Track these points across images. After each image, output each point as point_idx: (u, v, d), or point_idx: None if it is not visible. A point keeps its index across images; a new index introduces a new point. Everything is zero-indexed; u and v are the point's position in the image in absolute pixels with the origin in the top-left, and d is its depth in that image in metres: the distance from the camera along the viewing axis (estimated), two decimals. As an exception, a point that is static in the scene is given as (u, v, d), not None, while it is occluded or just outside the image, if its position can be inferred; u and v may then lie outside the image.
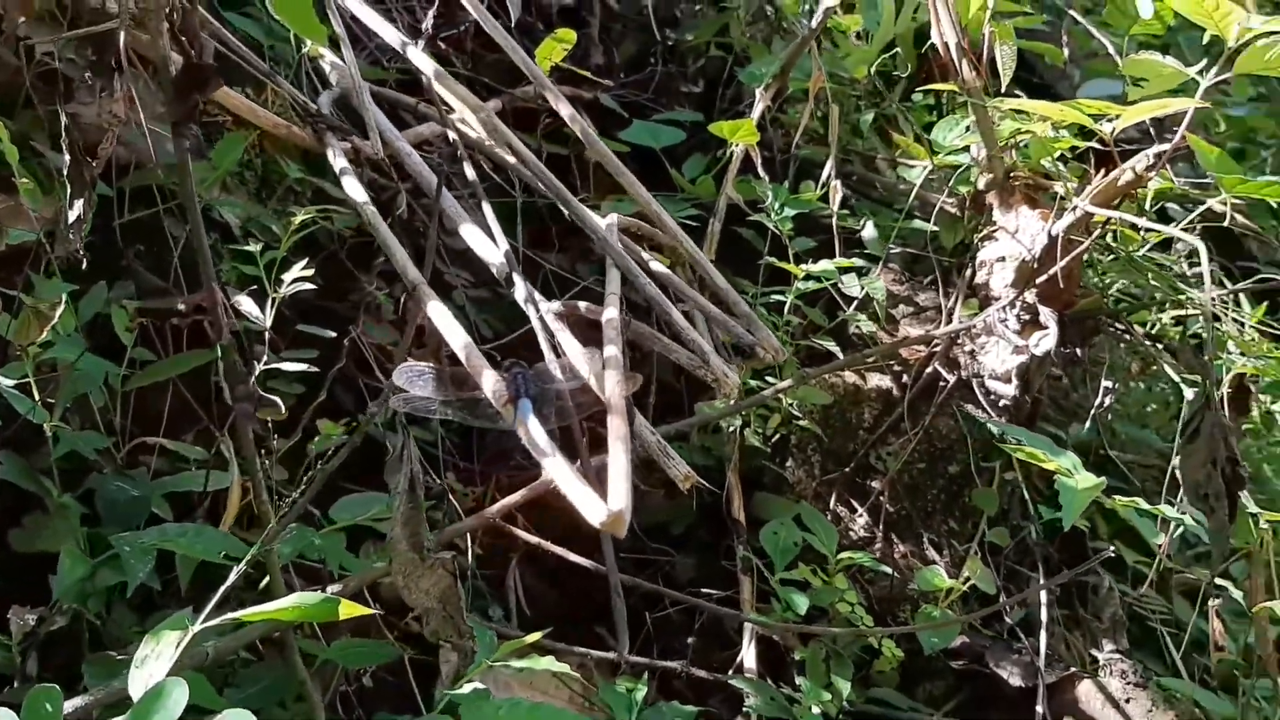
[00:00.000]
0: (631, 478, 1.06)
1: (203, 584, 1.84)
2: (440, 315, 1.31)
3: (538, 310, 1.60)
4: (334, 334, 2.13)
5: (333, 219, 2.22)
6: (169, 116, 1.32)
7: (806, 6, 3.00)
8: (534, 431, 1.10)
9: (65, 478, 1.75)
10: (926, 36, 3.06)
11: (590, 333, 1.81)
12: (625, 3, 3.22)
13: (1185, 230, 2.10)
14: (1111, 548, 2.16)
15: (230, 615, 1.28)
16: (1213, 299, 2.23)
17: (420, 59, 1.87)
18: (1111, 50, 3.11)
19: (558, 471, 1.05)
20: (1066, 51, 3.10)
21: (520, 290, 1.63)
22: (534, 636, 1.69)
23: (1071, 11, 3.22)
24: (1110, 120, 2.03)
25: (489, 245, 1.70)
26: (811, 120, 2.79)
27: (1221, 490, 1.62)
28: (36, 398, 1.66)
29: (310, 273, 1.83)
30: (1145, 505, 1.90)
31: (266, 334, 1.82)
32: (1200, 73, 1.99)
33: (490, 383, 1.18)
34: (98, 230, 2.00)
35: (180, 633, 1.30)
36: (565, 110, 1.74)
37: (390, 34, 1.88)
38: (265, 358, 1.81)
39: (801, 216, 2.56)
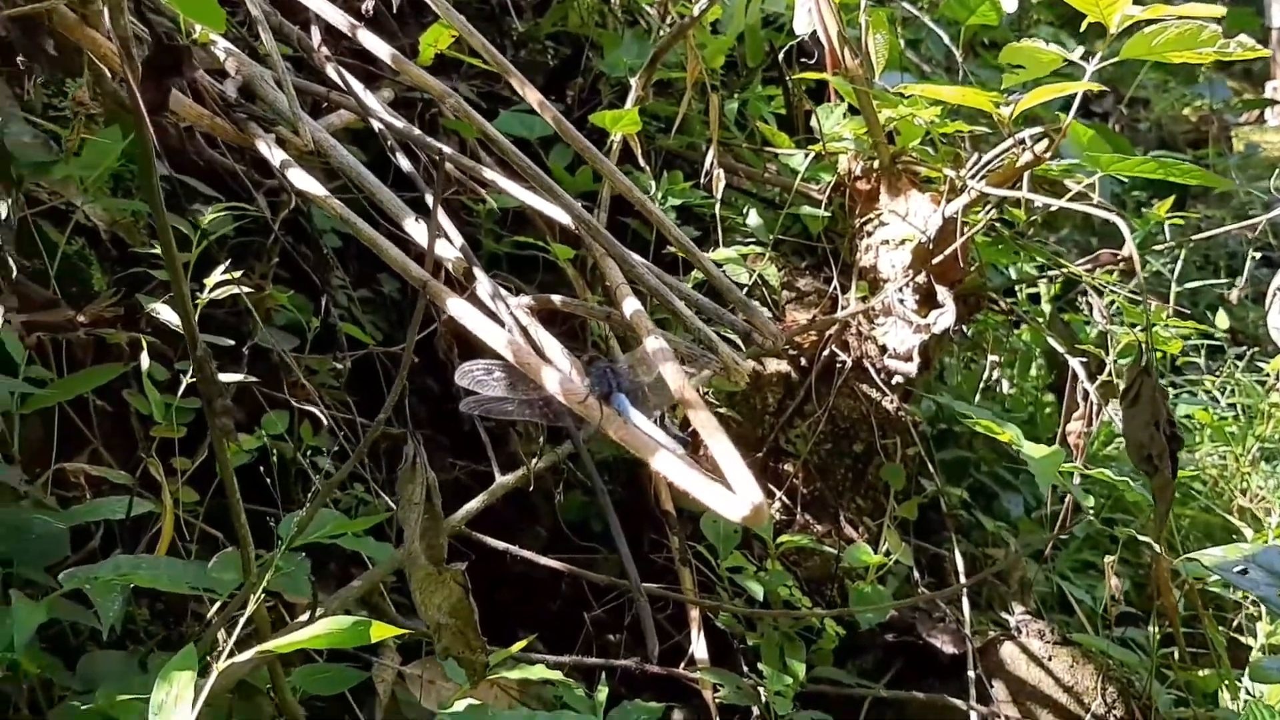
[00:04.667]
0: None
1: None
2: (465, 311, 1.22)
3: (508, 306, 1.52)
4: (231, 342, 1.98)
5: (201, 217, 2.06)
6: (142, 103, 1.18)
7: (659, -4, 3.00)
8: (643, 425, 1.04)
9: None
10: (775, 26, 3.14)
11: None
12: (466, -10, 3.13)
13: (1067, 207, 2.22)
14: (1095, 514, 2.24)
15: (261, 647, 1.16)
16: (1089, 270, 2.37)
17: (373, 42, 1.75)
18: (946, 40, 3.28)
19: (677, 469, 0.99)
20: (900, 42, 3.23)
21: (485, 285, 1.55)
22: (520, 644, 1.62)
23: (905, 4, 3.35)
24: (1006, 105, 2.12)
25: (440, 241, 1.61)
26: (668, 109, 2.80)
27: (1164, 449, 1.71)
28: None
29: (238, 274, 1.69)
30: (1088, 470, 1.99)
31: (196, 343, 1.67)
32: (1083, 58, 2.11)
33: (555, 380, 1.10)
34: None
35: (190, 673, 1.17)
36: (533, 97, 1.67)
37: (335, 15, 1.75)
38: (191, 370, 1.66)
39: (679, 207, 2.56)
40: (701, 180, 2.56)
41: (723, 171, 2.52)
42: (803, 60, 2.78)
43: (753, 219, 2.60)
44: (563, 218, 1.65)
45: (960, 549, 2.48)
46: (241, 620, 1.23)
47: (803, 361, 2.42)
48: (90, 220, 2.04)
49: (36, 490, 1.66)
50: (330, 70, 1.91)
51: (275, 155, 1.59)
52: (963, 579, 2.22)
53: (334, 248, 2.39)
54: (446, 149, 1.75)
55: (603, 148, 2.57)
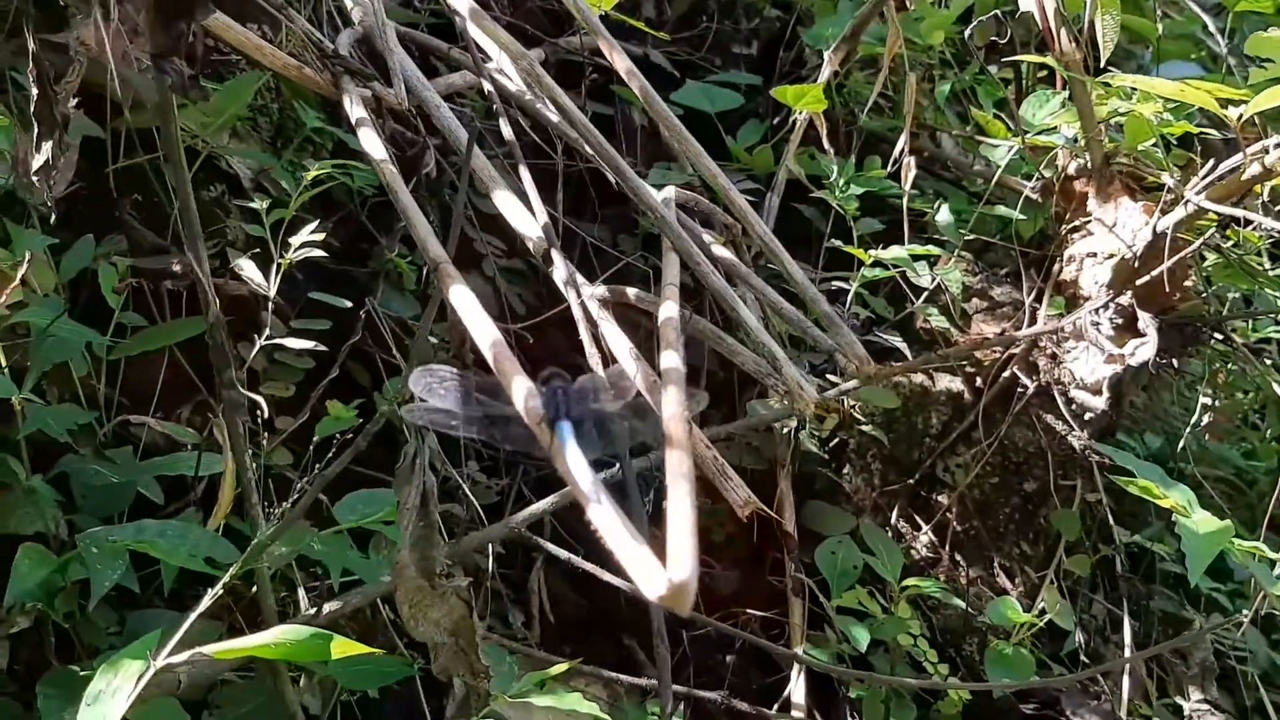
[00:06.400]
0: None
1: (189, 576, 1.64)
2: (465, 301, 1.08)
3: (579, 295, 1.37)
4: (349, 304, 1.92)
5: (353, 175, 2.00)
6: (150, 47, 1.10)
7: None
8: (575, 465, 0.87)
9: (39, 457, 1.54)
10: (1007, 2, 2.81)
11: (630, 315, 1.59)
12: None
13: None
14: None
15: (199, 649, 1.06)
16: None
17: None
18: (1212, 27, 2.85)
19: (605, 522, 0.82)
20: (1161, 27, 2.84)
21: (560, 270, 1.40)
22: (561, 667, 1.48)
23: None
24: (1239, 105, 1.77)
25: (525, 215, 1.47)
26: (881, 89, 2.54)
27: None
28: (3, 366, 1.44)
29: (320, 236, 1.62)
30: (1269, 552, 1.64)
31: (270, 302, 1.61)
32: (1347, 53, 1.74)
33: (522, 394, 0.94)
34: (86, 176, 1.78)
35: (140, 663, 1.09)
36: (622, 64, 1.51)
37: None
38: (268, 329, 1.61)
39: (867, 195, 2.32)
40: (889, 167, 2.31)
41: (913, 160, 2.26)
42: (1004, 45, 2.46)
43: (943, 215, 2.32)
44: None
45: (1157, 608, 2.16)
46: (204, 604, 1.14)
47: (978, 381, 2.15)
48: (230, 168, 2.02)
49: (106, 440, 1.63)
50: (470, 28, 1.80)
51: (354, 112, 1.49)
52: (1128, 650, 1.91)
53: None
54: (573, 118, 1.60)
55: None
